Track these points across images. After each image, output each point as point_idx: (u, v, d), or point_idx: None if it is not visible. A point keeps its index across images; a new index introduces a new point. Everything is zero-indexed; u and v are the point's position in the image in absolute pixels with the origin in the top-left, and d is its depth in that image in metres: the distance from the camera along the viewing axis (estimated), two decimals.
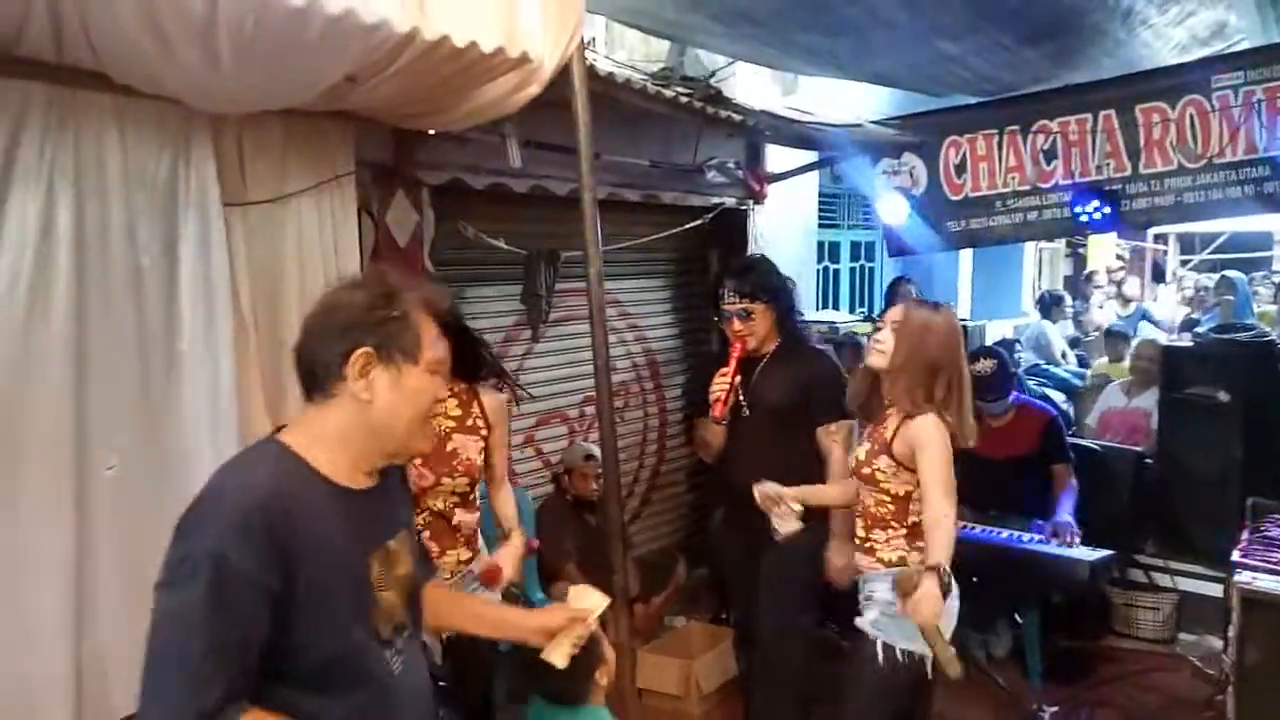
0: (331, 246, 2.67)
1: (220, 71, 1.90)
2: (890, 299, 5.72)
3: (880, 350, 2.33)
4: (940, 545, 2.19)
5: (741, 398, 2.76)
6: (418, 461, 2.21)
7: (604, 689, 2.07)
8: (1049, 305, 6.97)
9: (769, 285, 2.78)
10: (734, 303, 2.72)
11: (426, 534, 2.28)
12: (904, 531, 2.31)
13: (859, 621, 2.35)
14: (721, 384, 2.66)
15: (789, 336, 2.82)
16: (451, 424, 2.33)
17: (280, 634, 1.20)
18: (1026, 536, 3.70)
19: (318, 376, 1.27)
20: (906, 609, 2.13)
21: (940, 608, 2.11)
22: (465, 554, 2.36)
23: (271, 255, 2.55)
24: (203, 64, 1.86)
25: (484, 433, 2.38)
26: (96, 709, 2.13)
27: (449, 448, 2.31)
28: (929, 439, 2.23)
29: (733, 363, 2.67)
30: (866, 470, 2.34)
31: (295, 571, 1.20)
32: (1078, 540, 3.64)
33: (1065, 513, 3.71)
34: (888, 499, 2.32)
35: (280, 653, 1.21)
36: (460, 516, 2.35)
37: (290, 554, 1.19)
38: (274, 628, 1.19)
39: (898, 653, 2.24)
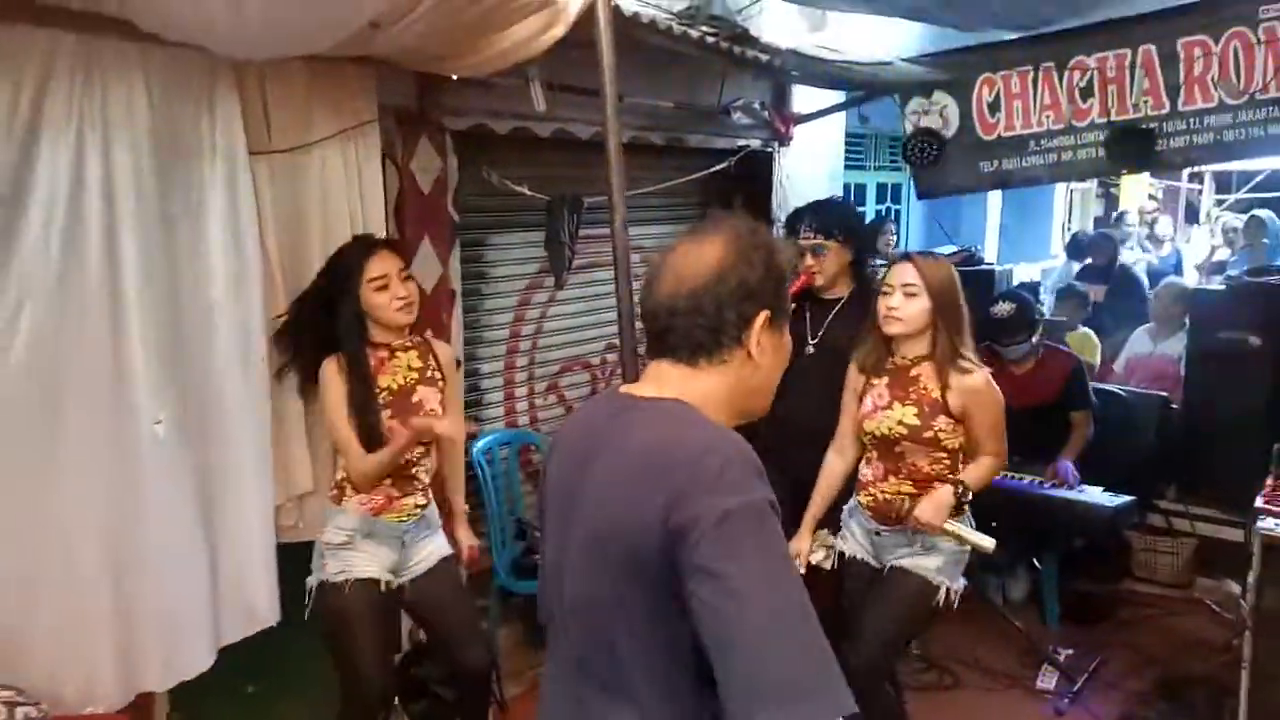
0: (356, 193, 2.67)
1: (244, 17, 1.88)
2: (872, 238, 5.68)
3: (897, 317, 2.30)
4: (980, 473, 2.33)
5: (809, 336, 2.76)
6: (387, 414, 2.28)
7: None
8: (1079, 248, 6.86)
9: (846, 225, 2.77)
10: (809, 237, 2.73)
11: (388, 480, 2.33)
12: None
13: (907, 563, 2.36)
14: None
15: (865, 282, 2.81)
16: (414, 375, 2.36)
17: None
18: (1048, 483, 3.72)
19: (709, 341, 1.19)
20: (915, 513, 2.27)
21: (943, 514, 2.26)
22: (421, 500, 2.41)
23: (296, 203, 2.56)
24: (227, 10, 1.85)
25: (441, 384, 2.41)
26: (138, 655, 2.21)
27: (414, 399, 2.34)
28: (994, 398, 2.31)
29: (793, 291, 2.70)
30: (927, 434, 2.31)
31: None
32: (1078, 484, 3.67)
33: (1067, 457, 3.74)
34: (945, 455, 2.34)
35: None
36: (419, 465, 2.40)
37: None
38: None
39: (952, 592, 2.35)
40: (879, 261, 4.73)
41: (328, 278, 2.36)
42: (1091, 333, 5.08)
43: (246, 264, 2.37)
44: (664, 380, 1.22)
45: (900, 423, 2.34)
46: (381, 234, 2.70)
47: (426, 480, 2.45)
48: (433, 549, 2.44)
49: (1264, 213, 6.81)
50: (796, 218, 2.85)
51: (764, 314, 1.21)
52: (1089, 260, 6.29)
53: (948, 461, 2.35)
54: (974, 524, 2.40)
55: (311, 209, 2.59)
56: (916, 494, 2.35)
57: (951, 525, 2.28)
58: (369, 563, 2.32)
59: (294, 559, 2.54)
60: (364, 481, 2.31)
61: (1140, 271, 6.99)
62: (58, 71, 2.00)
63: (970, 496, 2.31)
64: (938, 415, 2.30)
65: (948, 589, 2.35)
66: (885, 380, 2.40)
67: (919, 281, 2.28)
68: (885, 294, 2.35)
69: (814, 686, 0.98)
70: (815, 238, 2.72)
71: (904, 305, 2.29)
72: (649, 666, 1.10)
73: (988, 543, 2.29)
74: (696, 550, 1.01)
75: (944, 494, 2.29)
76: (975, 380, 2.28)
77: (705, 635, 1.01)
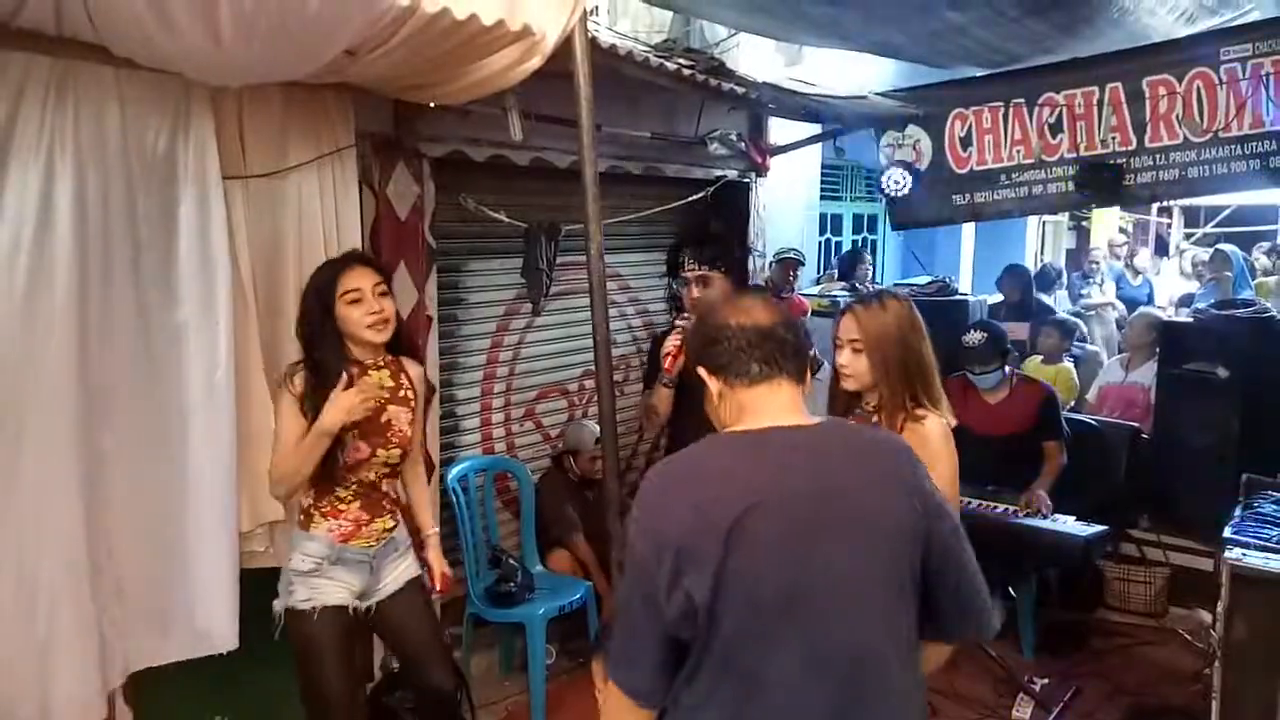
0: (333, 219, 2.67)
1: (221, 46, 1.89)
2: (850, 268, 5.73)
3: (848, 374, 2.23)
4: None
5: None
6: (355, 434, 2.25)
7: None
8: (1045, 281, 6.96)
9: (729, 255, 2.89)
10: (694, 269, 2.83)
11: (356, 504, 2.31)
12: None
13: None
14: (674, 341, 2.70)
15: None
16: (386, 395, 2.33)
17: None
18: (1023, 511, 3.74)
19: (807, 364, 1.46)
20: None
21: None
22: (390, 522, 2.39)
23: (272, 228, 2.56)
24: (203, 38, 1.85)
25: (413, 404, 2.39)
26: (108, 670, 2.19)
27: (384, 419, 2.31)
28: (940, 449, 2.11)
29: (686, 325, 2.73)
30: None
31: None
32: (1050, 512, 3.69)
33: (1041, 486, 3.76)
34: None
35: None
36: (387, 486, 2.39)
37: None
38: None
39: None
40: (838, 293, 4.79)
41: (308, 294, 2.30)
42: (1071, 368, 5.11)
43: (216, 288, 2.35)
44: (794, 401, 1.43)
45: None
46: None
47: (394, 501, 2.42)
48: (401, 570, 2.42)
49: (1228, 247, 6.97)
50: (678, 252, 3.02)
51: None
52: (1002, 299, 5.84)
53: None
54: None
55: (288, 234, 2.58)
56: None
57: None
58: (338, 590, 2.29)
59: (264, 586, 2.51)
60: (286, 481, 2.21)
61: (1110, 300, 7.10)
62: (30, 94, 2.00)
63: None
64: None
65: None
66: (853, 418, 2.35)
67: (859, 336, 2.20)
68: (837, 347, 2.29)
69: None
70: (700, 269, 2.83)
71: (852, 362, 2.22)
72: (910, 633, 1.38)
73: None
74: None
75: None
76: (926, 428, 2.14)
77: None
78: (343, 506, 2.30)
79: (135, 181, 2.20)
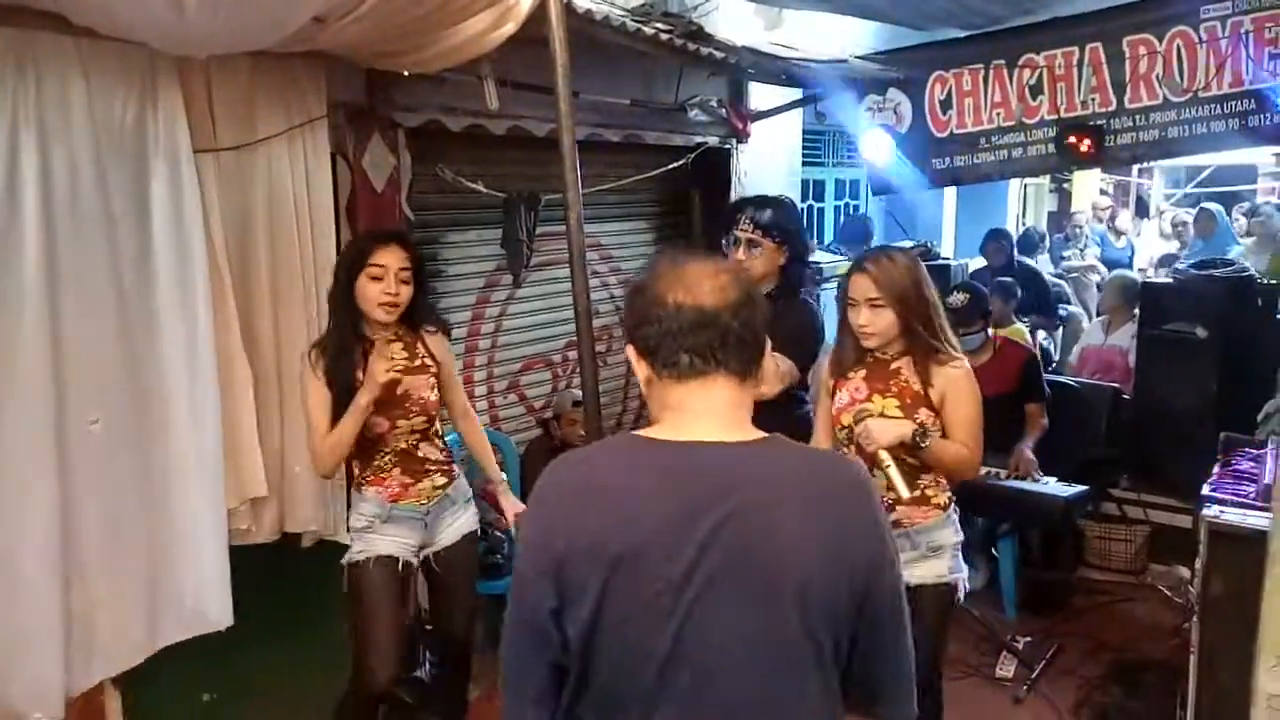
0: (305, 192, 2.63)
1: (185, 14, 1.83)
2: (857, 234, 5.71)
3: (871, 332, 2.25)
4: (947, 446, 2.24)
5: None
6: (372, 410, 2.31)
7: None
8: (1029, 244, 6.97)
9: (786, 227, 2.73)
10: (747, 230, 2.68)
11: (397, 470, 2.41)
12: (938, 473, 2.29)
13: (922, 575, 2.25)
14: None
15: (786, 284, 2.77)
16: (400, 368, 2.39)
17: None
18: (1004, 474, 3.78)
19: (756, 356, 1.22)
20: (866, 423, 2.20)
21: (889, 437, 2.18)
22: (440, 479, 2.48)
23: (244, 202, 2.51)
24: (165, 6, 1.80)
25: (433, 369, 2.46)
26: (84, 658, 2.17)
27: (399, 390, 2.37)
28: (970, 390, 2.26)
29: None
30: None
31: None
32: (1036, 473, 3.73)
33: (1025, 448, 3.79)
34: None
35: None
36: (425, 450, 2.47)
37: None
38: None
39: (963, 583, 2.32)
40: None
41: (340, 267, 2.38)
42: (1024, 329, 5.13)
43: (192, 263, 2.32)
44: (730, 406, 1.20)
45: (882, 414, 2.26)
46: (330, 231, 2.69)
47: (442, 460, 2.49)
48: (459, 523, 2.53)
49: (1213, 205, 6.98)
50: (738, 208, 2.81)
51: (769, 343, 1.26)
52: (986, 263, 5.87)
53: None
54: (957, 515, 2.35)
55: (259, 207, 2.54)
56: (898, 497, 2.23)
57: (886, 457, 2.17)
58: (390, 544, 2.40)
59: (248, 562, 2.49)
60: (325, 461, 2.33)
61: (1092, 263, 7.12)
62: None
63: (927, 442, 2.20)
64: (920, 408, 2.25)
65: (960, 581, 2.32)
66: (862, 373, 2.33)
67: (879, 293, 2.22)
68: (852, 305, 2.29)
69: None
70: (753, 233, 2.67)
71: (873, 319, 2.24)
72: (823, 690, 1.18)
73: (906, 492, 2.17)
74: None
75: (903, 425, 2.21)
76: (956, 370, 2.25)
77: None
78: (384, 475, 2.41)
79: (104, 157, 2.15)
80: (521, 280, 3.78)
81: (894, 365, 2.31)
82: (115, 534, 2.20)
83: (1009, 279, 5.00)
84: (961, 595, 2.34)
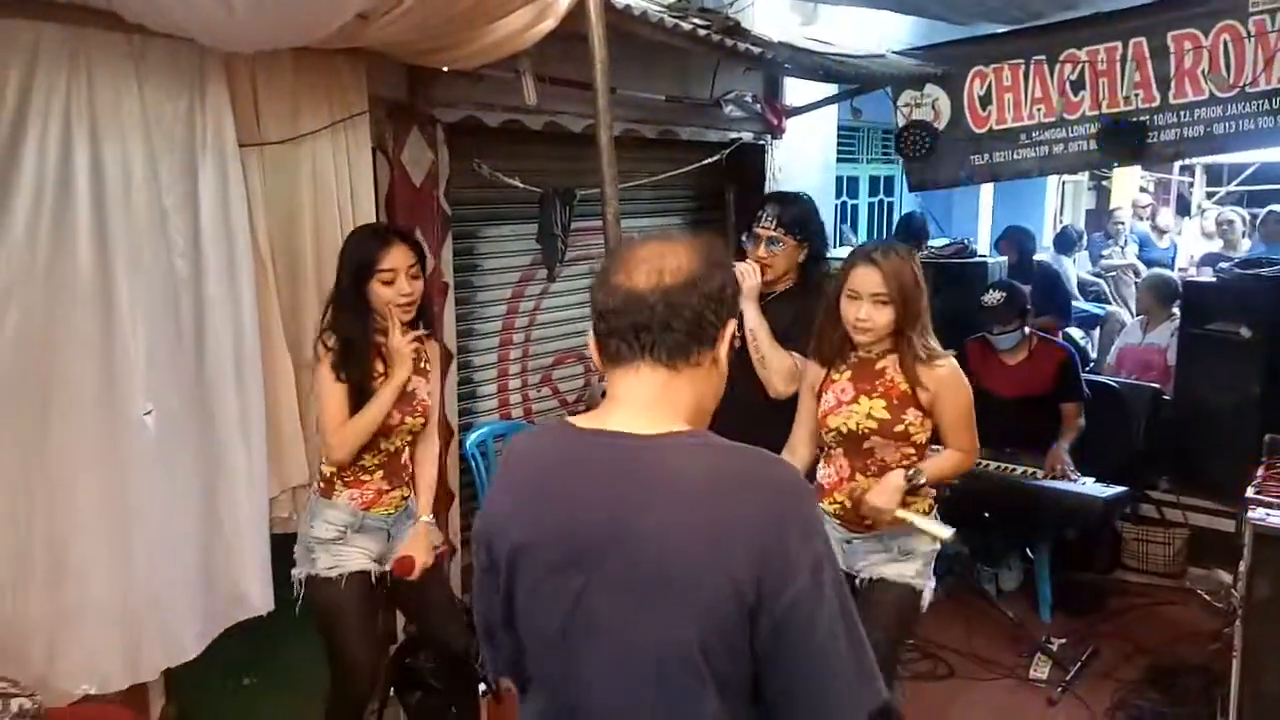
0: (347, 185, 2.67)
1: (234, 12, 1.87)
2: (913, 233, 5.64)
3: (869, 328, 2.20)
4: (941, 464, 2.24)
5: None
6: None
7: None
8: (1066, 242, 6.86)
9: (806, 224, 2.70)
10: (769, 228, 2.66)
11: (379, 474, 2.34)
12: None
13: (888, 573, 2.24)
14: None
15: (805, 280, 2.76)
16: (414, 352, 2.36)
17: None
18: (1041, 474, 3.74)
19: (687, 342, 1.13)
20: (866, 497, 2.17)
21: (894, 500, 2.15)
22: (406, 490, 2.43)
23: (287, 196, 2.55)
24: (215, 4, 1.84)
25: (429, 376, 2.43)
26: (131, 645, 2.21)
27: (409, 388, 2.34)
28: (962, 387, 2.22)
29: None
30: (898, 427, 2.21)
31: None
32: (1073, 474, 3.68)
33: (1062, 449, 3.75)
34: (913, 450, 2.24)
35: None
36: (406, 457, 2.42)
37: None
38: None
39: (928, 593, 2.27)
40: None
41: (344, 269, 2.31)
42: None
43: (238, 256, 2.36)
44: (654, 397, 1.13)
45: (869, 416, 2.22)
46: None
47: (411, 471, 2.46)
48: None
49: None
50: (760, 206, 2.79)
51: (733, 321, 1.18)
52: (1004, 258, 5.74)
53: (915, 457, 2.25)
54: (939, 518, 2.31)
55: (303, 201, 2.58)
56: None
57: (904, 513, 2.15)
58: (360, 556, 2.33)
59: (288, 549, 2.54)
60: (349, 446, 2.23)
61: (1131, 262, 6.99)
62: (43, 63, 1.99)
63: (922, 480, 2.18)
64: (907, 408, 2.21)
65: (926, 590, 2.27)
66: (848, 374, 2.28)
67: (885, 289, 2.17)
68: (851, 298, 2.22)
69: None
70: (774, 230, 2.64)
71: (873, 316, 2.18)
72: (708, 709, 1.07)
73: (945, 532, 2.16)
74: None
75: (894, 478, 2.18)
76: (943, 369, 2.20)
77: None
78: (365, 476, 2.33)
79: (154, 152, 2.19)
80: (556, 275, 3.80)
81: (879, 364, 2.26)
82: (168, 522, 2.25)
83: (1012, 280, 4.91)
84: (924, 605, 2.27)
